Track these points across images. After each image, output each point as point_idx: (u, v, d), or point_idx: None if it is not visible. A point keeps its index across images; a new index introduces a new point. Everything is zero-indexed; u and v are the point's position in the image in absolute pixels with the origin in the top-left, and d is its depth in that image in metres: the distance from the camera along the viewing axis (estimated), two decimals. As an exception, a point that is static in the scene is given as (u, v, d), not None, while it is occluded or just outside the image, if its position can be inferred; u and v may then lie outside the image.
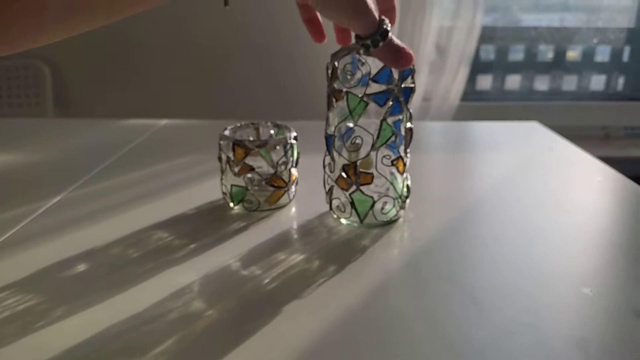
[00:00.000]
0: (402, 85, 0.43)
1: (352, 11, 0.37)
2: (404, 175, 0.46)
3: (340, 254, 0.42)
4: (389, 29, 0.39)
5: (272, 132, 0.55)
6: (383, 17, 0.39)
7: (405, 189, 0.47)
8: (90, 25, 0.28)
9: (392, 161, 0.45)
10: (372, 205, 0.45)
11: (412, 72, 0.43)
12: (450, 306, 0.35)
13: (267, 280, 0.38)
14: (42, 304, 0.35)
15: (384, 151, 0.44)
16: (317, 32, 0.48)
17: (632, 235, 0.47)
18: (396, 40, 0.39)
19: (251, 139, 0.54)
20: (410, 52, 0.40)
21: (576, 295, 0.36)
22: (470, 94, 1.67)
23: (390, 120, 0.43)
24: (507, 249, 0.43)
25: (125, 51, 1.51)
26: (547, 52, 1.74)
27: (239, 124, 0.54)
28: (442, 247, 0.44)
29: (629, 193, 0.57)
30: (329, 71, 0.44)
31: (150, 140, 0.77)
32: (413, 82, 0.44)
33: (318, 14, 0.47)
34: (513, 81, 1.75)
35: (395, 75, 0.42)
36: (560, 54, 1.74)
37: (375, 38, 0.38)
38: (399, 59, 0.39)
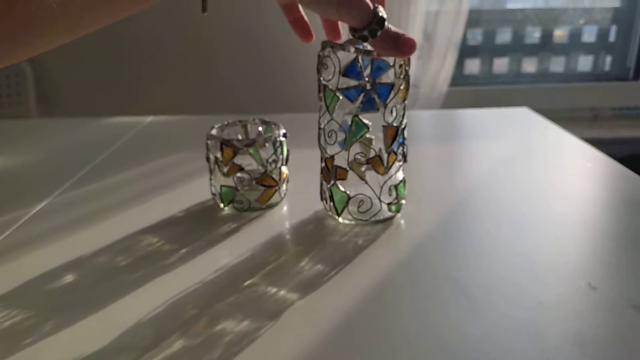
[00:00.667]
0: (378, 82, 0.41)
1: (341, 0, 0.35)
2: (387, 175, 0.44)
3: (334, 253, 0.41)
4: (385, 16, 0.36)
5: (260, 129, 0.54)
6: (375, 4, 0.37)
7: (391, 190, 0.45)
8: (53, 43, 0.27)
9: (367, 160, 0.44)
10: (347, 201, 0.45)
11: (388, 69, 0.41)
12: (445, 304, 0.35)
13: (261, 284, 0.37)
14: (29, 319, 0.34)
15: (357, 148, 0.44)
16: (305, 32, 0.46)
17: (627, 224, 0.47)
18: (394, 28, 0.37)
19: (239, 137, 0.53)
20: (412, 37, 0.37)
21: (572, 288, 0.36)
22: (459, 78, 1.66)
23: (364, 117, 0.42)
24: (501, 243, 0.43)
25: (109, 46, 1.48)
26: (534, 34, 1.73)
27: (226, 122, 0.53)
28: (436, 244, 0.43)
29: (621, 179, 0.56)
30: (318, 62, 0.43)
31: (135, 138, 0.76)
32: (400, 78, 0.42)
33: (303, 14, 0.46)
34: (501, 64, 1.75)
35: (368, 70, 0.41)
36: (547, 36, 1.73)
37: (372, 28, 0.36)
38: (402, 46, 0.37)
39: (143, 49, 1.49)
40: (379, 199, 0.45)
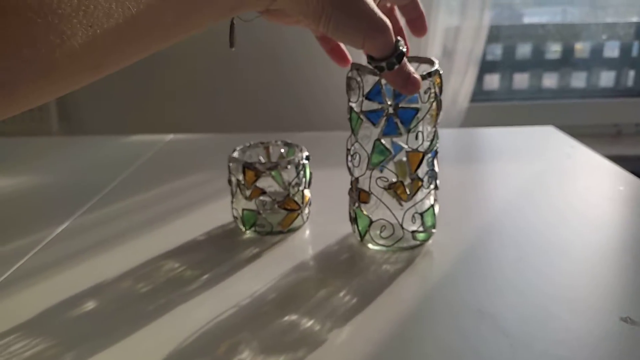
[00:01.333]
0: (401, 106, 0.40)
1: (368, 30, 0.34)
2: (412, 202, 0.43)
3: (358, 282, 0.40)
4: (404, 50, 0.36)
5: (282, 150, 0.53)
6: (398, 37, 0.37)
7: (415, 217, 0.43)
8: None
9: (389, 185, 0.43)
10: (369, 225, 0.44)
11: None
12: (479, 341, 0.33)
13: (286, 314, 0.36)
14: (50, 349, 0.33)
15: (379, 174, 0.43)
16: (342, 59, 0.46)
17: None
18: (409, 65, 0.37)
19: (261, 159, 0.52)
20: (419, 78, 0.37)
21: (611, 323, 0.34)
22: (478, 94, 1.65)
23: (386, 140, 0.41)
24: (533, 273, 0.41)
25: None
26: (554, 50, 1.71)
27: (247, 144, 0.52)
28: (466, 274, 0.41)
29: (655, 203, 0.54)
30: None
31: (155, 158, 0.76)
32: (429, 102, 0.40)
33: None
34: (521, 80, 1.72)
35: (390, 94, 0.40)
36: (568, 51, 1.71)
37: (391, 61, 0.36)
38: (408, 85, 0.37)
39: (164, 66, 1.50)
40: (402, 226, 0.43)
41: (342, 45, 0.45)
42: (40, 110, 1.38)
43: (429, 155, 0.43)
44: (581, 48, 1.71)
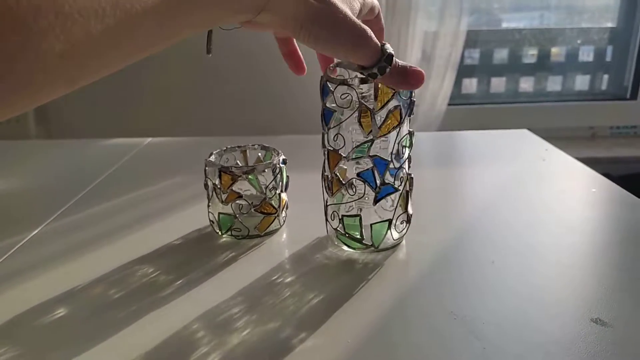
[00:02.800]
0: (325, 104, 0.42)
1: (352, 42, 0.34)
2: (332, 202, 0.44)
3: (334, 285, 0.40)
4: (392, 52, 0.36)
5: (259, 154, 0.53)
6: (383, 41, 0.36)
7: (334, 216, 0.44)
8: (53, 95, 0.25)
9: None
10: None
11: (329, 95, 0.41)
12: (453, 345, 0.33)
13: (260, 320, 0.36)
14: (20, 357, 0.33)
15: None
16: (298, 66, 0.46)
17: (635, 254, 0.45)
18: (401, 62, 0.37)
19: (238, 163, 0.52)
20: (418, 68, 0.37)
21: (582, 325, 0.35)
22: (457, 97, 1.66)
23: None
24: (507, 275, 0.42)
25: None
26: (531, 54, 1.74)
27: (224, 148, 0.52)
28: (441, 277, 0.42)
29: (627, 206, 0.56)
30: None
31: (133, 161, 0.75)
32: (345, 110, 0.40)
33: (297, 47, 0.45)
34: (498, 83, 1.75)
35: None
36: (544, 56, 1.74)
37: (381, 65, 0.35)
38: (410, 79, 0.37)
39: (143, 70, 1.49)
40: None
41: (299, 52, 0.45)
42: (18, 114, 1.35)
43: (349, 161, 0.42)
44: (557, 52, 1.75)
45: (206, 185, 0.48)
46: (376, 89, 0.39)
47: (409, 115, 0.42)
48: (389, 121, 0.40)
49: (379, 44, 0.35)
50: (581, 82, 1.77)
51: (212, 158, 0.49)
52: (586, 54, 1.75)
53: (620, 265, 0.43)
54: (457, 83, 1.65)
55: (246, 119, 1.47)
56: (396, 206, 0.43)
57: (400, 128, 0.41)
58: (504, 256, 0.45)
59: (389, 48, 0.36)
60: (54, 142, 1.02)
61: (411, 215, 0.45)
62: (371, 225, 0.43)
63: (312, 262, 0.44)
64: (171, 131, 1.06)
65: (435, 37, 1.45)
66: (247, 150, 0.53)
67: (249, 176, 0.47)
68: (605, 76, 1.76)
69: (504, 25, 1.76)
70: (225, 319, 0.36)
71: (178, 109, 1.52)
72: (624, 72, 1.73)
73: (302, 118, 1.30)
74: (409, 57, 1.41)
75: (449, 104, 1.53)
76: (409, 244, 0.46)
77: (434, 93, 1.47)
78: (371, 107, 0.40)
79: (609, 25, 1.74)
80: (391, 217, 0.43)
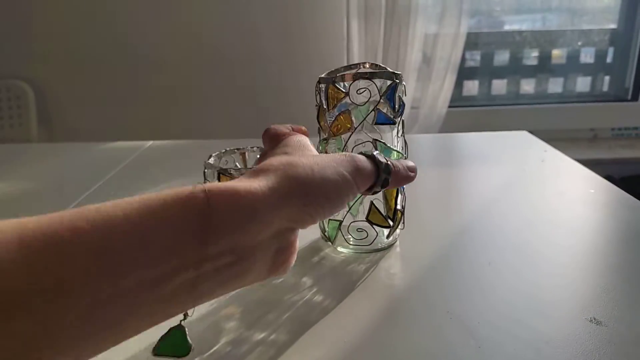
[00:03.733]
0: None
1: (347, 195, 0.32)
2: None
3: (328, 286, 0.41)
4: (384, 160, 0.35)
5: (258, 156, 0.53)
6: (372, 153, 0.35)
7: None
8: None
9: None
10: (339, 227, 0.45)
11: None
12: (449, 344, 0.34)
13: (254, 319, 0.36)
14: None
15: None
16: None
17: (633, 254, 0.46)
18: (397, 166, 0.36)
19: (237, 165, 0.53)
20: (412, 163, 0.38)
21: (578, 324, 0.35)
22: (458, 100, 1.67)
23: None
24: (504, 275, 0.42)
25: (108, 70, 1.49)
26: (532, 56, 1.75)
27: (223, 150, 0.52)
28: (437, 277, 0.42)
29: (625, 206, 0.56)
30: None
31: (134, 164, 0.75)
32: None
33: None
34: (500, 85, 1.76)
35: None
36: (545, 58, 1.74)
37: (382, 179, 0.34)
38: (410, 178, 0.38)
39: (145, 74, 1.50)
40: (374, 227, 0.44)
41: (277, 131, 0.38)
42: (20, 117, 1.36)
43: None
44: (558, 54, 1.75)
45: (206, 188, 0.49)
46: (326, 91, 0.41)
47: (395, 123, 0.43)
48: (338, 122, 0.42)
49: (370, 167, 0.34)
50: (582, 83, 1.77)
51: (211, 160, 0.50)
52: (587, 56, 1.76)
53: (616, 266, 0.43)
54: (459, 85, 1.66)
55: (246, 122, 1.48)
56: (349, 210, 0.44)
57: (353, 132, 0.43)
58: (500, 257, 0.45)
59: (379, 156, 0.35)
60: (56, 145, 1.02)
61: (398, 217, 0.46)
62: (329, 220, 0.45)
63: (308, 262, 0.44)
64: (172, 134, 1.07)
65: (435, 39, 1.46)
66: (246, 153, 0.53)
67: (248, 178, 0.47)
68: (606, 78, 1.77)
69: (506, 27, 1.77)
70: (218, 318, 0.37)
71: (179, 111, 1.53)
72: (625, 73, 1.73)
73: (302, 120, 1.30)
74: (409, 59, 1.41)
75: (451, 106, 1.53)
76: (406, 245, 0.47)
77: (435, 95, 1.47)
78: (324, 106, 0.42)
79: (610, 26, 1.75)
80: (341, 219, 0.44)
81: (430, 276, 0.42)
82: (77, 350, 0.22)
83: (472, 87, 1.75)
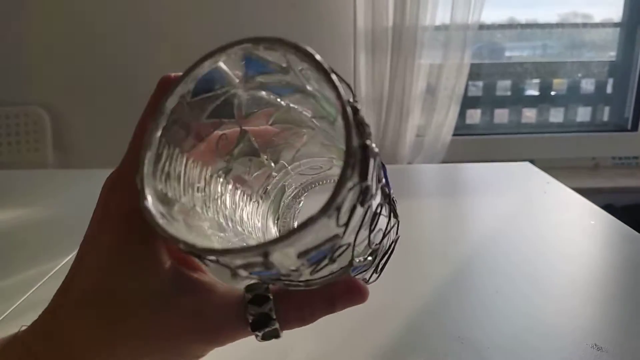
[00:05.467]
0: None
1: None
2: None
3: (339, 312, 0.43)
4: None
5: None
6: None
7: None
8: None
9: None
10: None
11: None
12: (460, 366, 0.36)
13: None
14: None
15: None
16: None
17: (631, 285, 0.48)
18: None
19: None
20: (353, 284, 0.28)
21: (581, 350, 0.37)
22: (461, 128, 1.71)
23: None
24: (512, 304, 0.44)
25: (124, 96, 1.53)
26: (533, 86, 1.79)
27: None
28: (448, 304, 0.44)
29: (624, 238, 0.58)
30: None
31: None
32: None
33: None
34: (502, 115, 1.79)
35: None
36: (546, 88, 1.79)
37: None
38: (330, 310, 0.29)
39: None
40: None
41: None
42: (37, 142, 1.40)
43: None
44: (558, 85, 1.79)
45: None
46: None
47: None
48: None
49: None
50: (583, 113, 1.81)
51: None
52: (588, 86, 1.80)
53: (616, 296, 0.46)
54: (462, 114, 1.69)
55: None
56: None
57: None
58: (507, 285, 0.47)
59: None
60: (75, 171, 1.05)
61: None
62: None
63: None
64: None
65: (440, 69, 1.50)
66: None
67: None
68: (607, 108, 1.81)
69: (507, 53, 1.81)
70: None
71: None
72: (625, 104, 1.77)
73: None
74: (414, 89, 1.46)
75: (454, 134, 1.57)
76: (416, 273, 0.49)
77: (439, 124, 1.51)
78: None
79: (609, 57, 1.79)
80: None
81: (442, 303, 0.45)
82: None
83: (474, 115, 1.79)
